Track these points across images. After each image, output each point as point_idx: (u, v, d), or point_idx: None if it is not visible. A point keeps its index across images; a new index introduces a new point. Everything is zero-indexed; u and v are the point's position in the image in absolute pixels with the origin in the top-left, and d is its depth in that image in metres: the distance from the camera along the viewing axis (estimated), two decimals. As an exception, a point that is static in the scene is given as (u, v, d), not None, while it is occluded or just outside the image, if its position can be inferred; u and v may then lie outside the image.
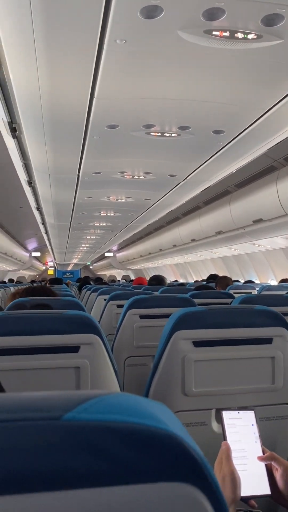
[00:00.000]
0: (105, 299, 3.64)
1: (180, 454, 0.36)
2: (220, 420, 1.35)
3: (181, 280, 10.77)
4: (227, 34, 1.59)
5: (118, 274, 20.70)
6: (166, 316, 2.23)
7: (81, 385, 1.30)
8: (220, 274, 6.05)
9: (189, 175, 3.47)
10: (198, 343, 1.45)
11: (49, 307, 1.86)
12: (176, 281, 9.50)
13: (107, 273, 22.74)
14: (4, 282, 11.59)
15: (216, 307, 1.57)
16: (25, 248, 16.52)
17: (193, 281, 8.73)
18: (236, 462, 0.99)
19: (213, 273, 7.32)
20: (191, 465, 0.36)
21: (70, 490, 0.34)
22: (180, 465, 0.36)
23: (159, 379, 1.46)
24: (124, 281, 10.46)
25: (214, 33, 1.59)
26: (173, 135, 2.59)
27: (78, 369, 1.32)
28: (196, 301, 2.49)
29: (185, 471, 0.36)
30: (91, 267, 24.33)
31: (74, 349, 1.33)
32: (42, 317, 1.34)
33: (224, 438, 1.06)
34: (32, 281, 16.75)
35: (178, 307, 2.11)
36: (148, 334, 2.34)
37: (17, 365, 1.28)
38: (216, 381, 1.46)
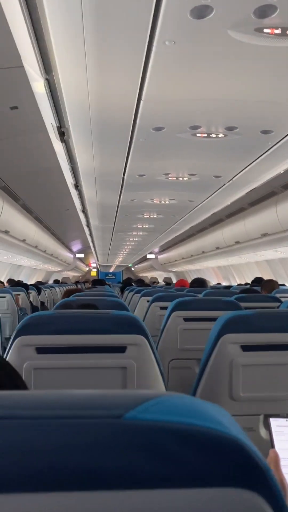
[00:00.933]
0: (148, 301, 3.66)
1: (245, 460, 0.35)
2: (268, 426, 1.31)
3: (224, 283, 10.60)
4: (278, 31, 1.55)
5: (159, 276, 20.71)
6: (211, 319, 2.20)
7: (127, 385, 1.31)
8: (265, 278, 5.90)
9: (234, 176, 3.42)
10: (246, 347, 1.42)
11: (95, 307, 1.89)
12: (220, 284, 9.36)
13: (148, 275, 22.82)
14: (40, 283, 11.90)
15: (265, 311, 1.53)
16: (69, 249, 16.91)
17: (236, 284, 8.57)
18: (285, 471, 0.96)
19: (257, 276, 7.15)
20: (256, 472, 0.35)
21: (128, 491, 0.33)
22: (245, 472, 0.35)
23: (206, 382, 1.44)
24: (164, 283, 10.44)
25: (265, 30, 1.56)
26: (219, 135, 2.56)
27: (125, 370, 1.33)
28: (242, 304, 2.44)
29: (250, 478, 0.35)
30: (132, 269, 24.50)
31: (121, 349, 1.34)
32: (90, 317, 1.36)
33: (272, 446, 1.03)
34: (76, 282, 17.11)
35: (223, 311, 2.08)
36: (192, 337, 2.32)
37: (65, 364, 1.31)
38: (264, 386, 1.42)
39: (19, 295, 5.38)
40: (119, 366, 1.33)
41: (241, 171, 3.25)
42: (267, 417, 1.30)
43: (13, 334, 1.29)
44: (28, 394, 0.38)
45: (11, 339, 1.30)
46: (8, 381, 0.59)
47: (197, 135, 2.54)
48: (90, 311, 1.48)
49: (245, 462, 0.35)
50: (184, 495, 0.34)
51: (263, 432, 1.40)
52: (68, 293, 2.64)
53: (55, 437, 0.33)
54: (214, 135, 2.54)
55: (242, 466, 0.34)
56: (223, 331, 1.43)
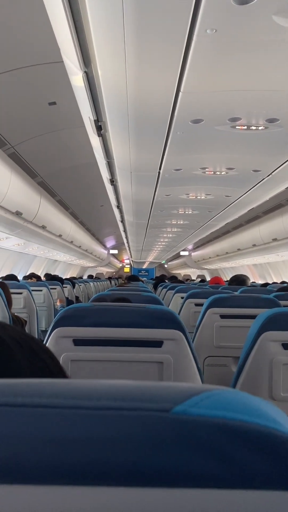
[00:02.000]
0: (182, 297, 3.62)
1: None
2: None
3: (260, 282, 10.39)
4: None
5: (192, 273, 20.58)
6: (249, 316, 2.14)
7: (164, 380, 1.28)
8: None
9: (274, 170, 3.32)
10: (287, 346, 1.36)
11: (128, 301, 1.88)
12: (255, 282, 9.18)
13: (181, 272, 22.72)
14: (75, 278, 12.04)
15: (308, 309, 1.47)
16: (103, 245, 17.09)
17: (271, 283, 8.37)
18: None
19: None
20: None
21: (177, 489, 0.31)
22: None
23: (245, 381, 1.40)
24: (199, 280, 10.36)
25: (312, 14, 1.48)
26: (260, 128, 2.48)
27: (161, 364, 1.31)
28: (282, 303, 2.37)
29: None
30: (165, 266, 24.47)
31: (158, 344, 1.32)
32: (127, 310, 1.35)
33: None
34: (109, 278, 17.28)
35: (262, 308, 2.02)
36: (229, 334, 2.27)
37: (101, 356, 1.30)
38: (307, 387, 1.36)
39: (55, 289, 5.48)
40: (155, 360, 1.31)
41: (282, 165, 3.15)
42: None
43: (51, 326, 1.30)
44: (70, 383, 0.37)
45: (49, 331, 1.31)
46: (52, 363, 0.58)
47: (237, 127, 2.48)
48: (127, 305, 1.46)
49: None
50: (236, 496, 0.31)
51: (304, 434, 1.34)
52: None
53: (99, 429, 0.32)
54: (254, 128, 2.47)
55: None
56: (263, 329, 1.38)
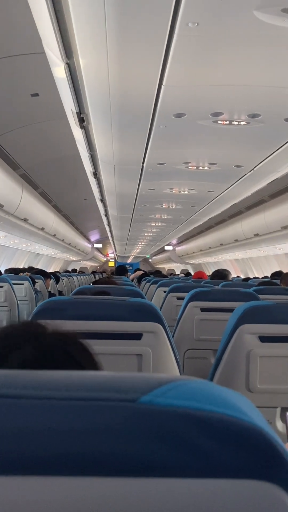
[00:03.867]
0: (164, 291, 3.64)
1: (268, 451, 0.32)
2: (285, 420, 1.29)
3: (241, 277, 10.51)
4: (307, 12, 1.49)
5: (177, 268, 20.67)
6: (229, 310, 2.17)
7: (143, 373, 1.29)
8: (284, 271, 5.81)
9: (256, 166, 3.35)
10: (264, 338, 1.39)
11: (108, 294, 1.88)
12: (239, 277, 9.28)
13: (165, 267, 22.80)
14: (68, 272, 11.97)
15: (284, 302, 1.49)
16: (87, 239, 17.01)
17: (252, 278, 8.47)
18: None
19: (276, 269, 7.05)
20: (279, 464, 0.33)
21: (141, 478, 0.31)
22: (267, 463, 0.32)
23: (222, 373, 1.42)
24: (183, 275, 10.42)
25: (292, 11, 1.49)
26: (242, 123, 2.50)
27: (141, 357, 1.31)
28: (260, 297, 2.40)
29: (272, 470, 0.32)
30: (150, 260, 24.51)
31: (137, 336, 1.32)
32: (106, 303, 1.35)
33: (288, 439, 1.00)
34: (94, 272, 17.21)
35: (241, 302, 2.04)
36: (209, 327, 2.30)
37: (80, 349, 1.30)
38: (282, 378, 1.39)
39: (37, 282, 5.44)
40: (134, 353, 1.31)
41: (263, 160, 3.18)
42: (284, 410, 1.27)
43: (30, 318, 1.29)
44: (37, 374, 0.37)
45: (27, 323, 1.30)
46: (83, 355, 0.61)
47: (219, 122, 2.49)
48: (106, 298, 1.46)
49: (268, 454, 0.32)
50: (201, 486, 0.32)
51: (279, 425, 1.37)
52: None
53: (64, 419, 0.32)
54: (236, 123, 2.49)
55: (265, 457, 0.32)
56: (240, 321, 1.40)
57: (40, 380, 0.35)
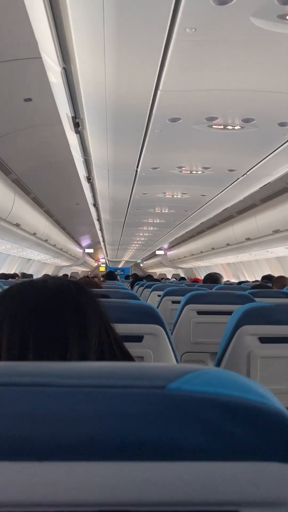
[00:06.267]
0: (159, 295, 3.64)
1: None
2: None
3: (233, 281, 10.56)
4: (302, 18, 1.52)
5: (168, 272, 20.69)
6: (225, 313, 2.18)
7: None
8: (276, 275, 5.85)
9: (249, 170, 3.38)
10: (264, 339, 1.40)
11: (108, 297, 1.88)
12: (229, 281, 9.32)
13: (157, 271, 22.80)
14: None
15: (284, 303, 1.51)
16: (79, 244, 16.95)
17: (245, 281, 8.51)
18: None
19: (267, 273, 7.10)
20: None
21: (171, 462, 0.32)
22: None
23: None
24: (175, 279, 10.42)
25: (288, 17, 1.52)
26: (236, 127, 2.53)
27: (142, 359, 1.32)
28: (256, 299, 2.42)
29: None
30: (141, 265, 24.51)
31: (138, 338, 1.33)
32: (106, 306, 1.35)
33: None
34: (85, 277, 17.14)
35: (237, 304, 2.05)
36: (206, 330, 2.31)
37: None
38: (282, 379, 1.40)
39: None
40: (136, 355, 1.31)
41: (256, 164, 3.21)
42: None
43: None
44: (67, 364, 0.37)
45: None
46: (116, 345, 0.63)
47: (214, 127, 2.51)
48: (107, 300, 1.46)
49: None
50: (228, 468, 0.33)
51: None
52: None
53: (97, 406, 0.32)
54: (230, 127, 2.52)
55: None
56: (240, 323, 1.41)
57: (75, 369, 0.35)
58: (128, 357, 0.65)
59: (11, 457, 0.31)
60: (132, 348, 1.32)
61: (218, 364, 1.45)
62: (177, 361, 1.38)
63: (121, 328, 1.35)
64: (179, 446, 0.33)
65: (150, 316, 1.36)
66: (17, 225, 6.58)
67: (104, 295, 1.94)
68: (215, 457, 0.33)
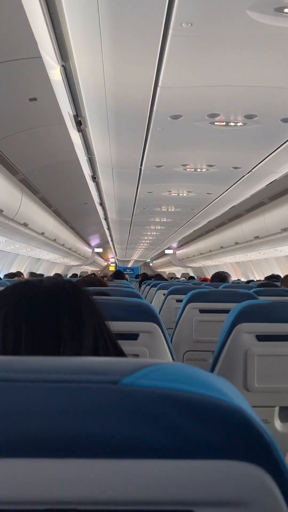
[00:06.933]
0: (164, 294, 3.63)
1: (250, 432, 0.32)
2: (284, 419, 1.28)
3: (243, 279, 10.50)
4: (300, 11, 1.50)
5: (177, 271, 20.66)
6: (228, 311, 2.16)
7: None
8: (286, 274, 5.80)
9: (254, 167, 3.35)
10: (262, 337, 1.38)
11: (107, 295, 1.87)
12: (239, 280, 9.27)
13: (166, 270, 22.78)
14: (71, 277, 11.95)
15: (281, 300, 1.49)
16: (88, 244, 17.01)
17: (255, 280, 8.45)
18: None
19: (277, 272, 7.04)
20: (260, 445, 0.32)
21: (123, 460, 0.31)
22: (249, 444, 0.32)
23: (219, 372, 1.41)
24: (184, 278, 10.40)
25: (286, 10, 1.50)
26: (238, 124, 2.50)
27: (137, 357, 1.31)
28: (260, 298, 2.39)
29: (254, 451, 0.32)
30: (150, 264, 24.51)
31: (133, 336, 1.32)
32: (102, 303, 1.34)
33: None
34: (90, 275, 17.16)
35: (240, 302, 2.04)
36: (208, 329, 2.29)
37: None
38: (280, 377, 1.38)
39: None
40: (131, 353, 1.30)
41: (261, 161, 3.18)
42: (284, 410, 1.26)
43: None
44: (24, 359, 0.37)
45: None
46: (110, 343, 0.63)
47: (215, 123, 2.49)
48: (102, 298, 1.46)
49: (249, 434, 0.32)
50: (182, 466, 0.32)
51: (278, 424, 1.36)
52: (83, 283, 2.46)
53: (49, 401, 0.32)
54: (232, 124, 2.49)
55: (245, 438, 0.32)
56: (238, 320, 1.39)
57: (30, 364, 0.35)
58: (121, 354, 0.65)
59: None
60: (127, 346, 1.31)
61: (215, 362, 1.44)
62: (173, 359, 1.37)
63: (117, 326, 1.34)
64: (132, 443, 0.32)
65: (146, 313, 1.35)
66: (25, 225, 6.62)
67: (103, 292, 1.93)
68: (169, 455, 0.32)
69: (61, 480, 0.31)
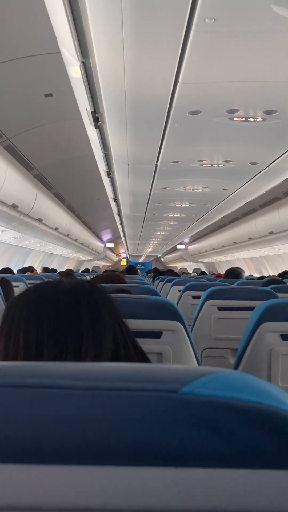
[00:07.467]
0: (179, 290, 3.62)
1: None
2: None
3: (255, 275, 10.43)
4: None
5: (189, 267, 20.61)
6: (247, 308, 2.15)
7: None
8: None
9: (272, 163, 3.31)
10: (286, 336, 1.37)
11: (129, 293, 1.88)
12: (252, 275, 9.21)
13: (178, 266, 22.75)
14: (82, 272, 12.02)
15: (307, 300, 1.47)
16: (100, 239, 17.06)
17: (267, 276, 8.38)
18: None
19: (290, 268, 6.97)
20: None
21: (184, 468, 0.31)
22: None
23: (243, 371, 1.41)
24: (196, 274, 10.37)
25: (312, 4, 1.47)
26: (257, 120, 2.47)
27: (161, 355, 1.31)
28: (278, 295, 2.38)
29: None
30: (162, 259, 24.49)
31: (157, 334, 1.32)
32: (126, 301, 1.35)
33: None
34: (105, 271, 17.25)
35: (259, 300, 2.02)
36: (227, 326, 2.28)
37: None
38: (305, 377, 1.37)
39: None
40: (154, 351, 1.31)
41: (279, 157, 3.15)
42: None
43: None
44: (78, 365, 0.37)
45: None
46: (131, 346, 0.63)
47: (235, 119, 2.47)
48: (127, 296, 1.46)
49: None
50: (243, 476, 0.31)
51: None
52: (102, 279, 2.35)
53: (108, 409, 0.32)
54: (252, 119, 2.47)
55: None
56: (262, 319, 1.38)
57: (81, 370, 0.35)
58: (141, 354, 0.65)
59: (17, 459, 0.30)
60: (151, 344, 1.32)
61: (238, 361, 1.43)
62: (196, 358, 1.36)
63: (140, 324, 1.34)
64: (192, 451, 0.32)
65: (169, 312, 1.35)
66: (40, 220, 6.66)
67: (126, 290, 1.94)
68: (229, 464, 0.32)
69: (121, 488, 0.31)
